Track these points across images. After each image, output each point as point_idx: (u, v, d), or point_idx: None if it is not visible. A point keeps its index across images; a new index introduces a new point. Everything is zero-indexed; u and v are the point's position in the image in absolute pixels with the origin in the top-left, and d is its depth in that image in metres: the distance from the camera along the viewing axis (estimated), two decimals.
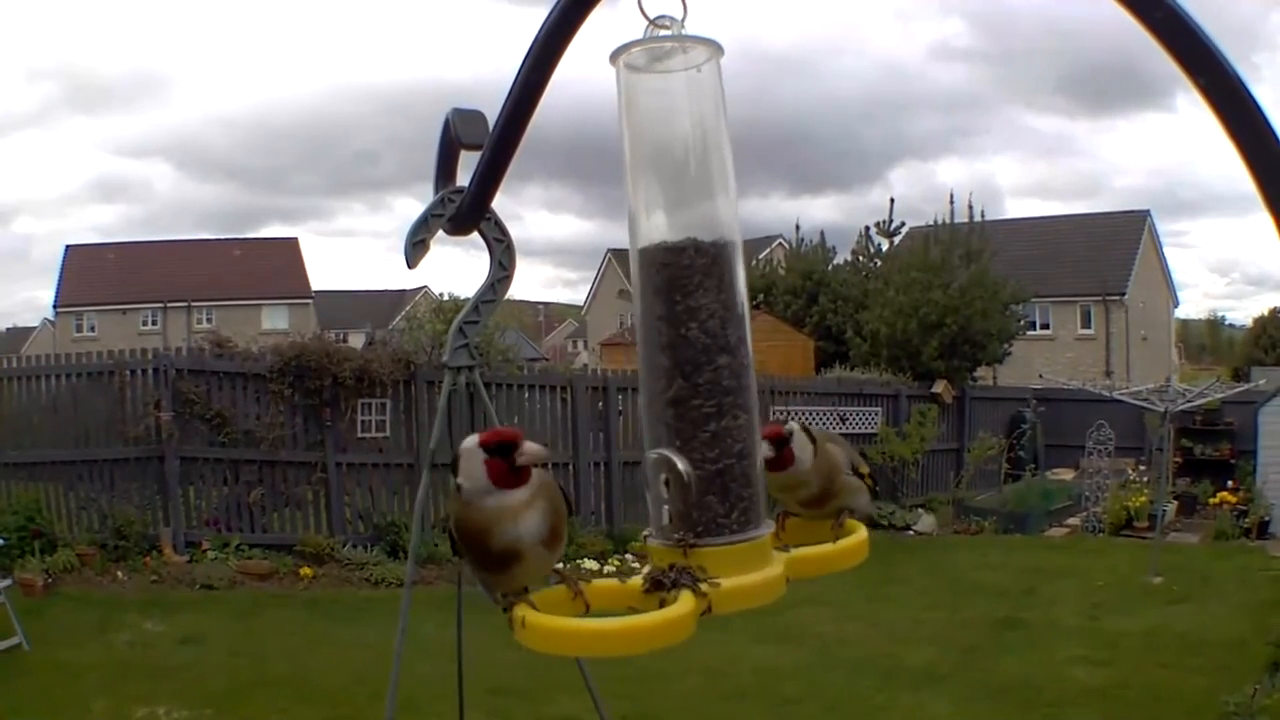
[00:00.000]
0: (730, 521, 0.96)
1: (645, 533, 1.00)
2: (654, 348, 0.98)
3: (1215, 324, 66.41)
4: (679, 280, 0.96)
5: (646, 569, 0.97)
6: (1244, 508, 11.11)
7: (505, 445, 0.95)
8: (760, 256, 26.88)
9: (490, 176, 1.12)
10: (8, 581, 6.69)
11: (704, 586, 0.92)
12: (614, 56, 0.95)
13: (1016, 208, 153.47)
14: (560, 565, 1.06)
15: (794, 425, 1.22)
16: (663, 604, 0.92)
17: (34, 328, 50.01)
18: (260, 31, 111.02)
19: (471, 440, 0.98)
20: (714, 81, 0.97)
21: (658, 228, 0.98)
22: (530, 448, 0.96)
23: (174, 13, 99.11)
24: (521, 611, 0.95)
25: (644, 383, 0.99)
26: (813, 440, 1.22)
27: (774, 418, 11.30)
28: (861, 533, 1.17)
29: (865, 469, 1.32)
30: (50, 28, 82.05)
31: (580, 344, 49.48)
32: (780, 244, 28.78)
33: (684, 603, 0.91)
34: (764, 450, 1.13)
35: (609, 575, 1.04)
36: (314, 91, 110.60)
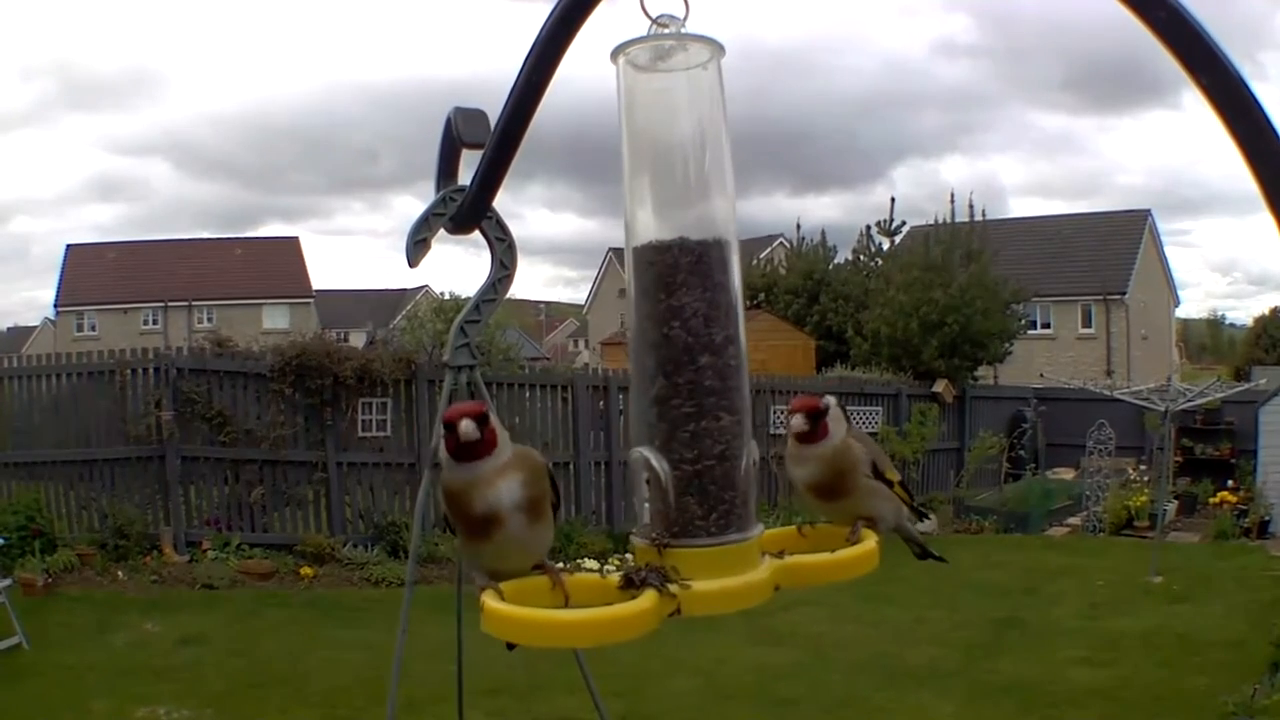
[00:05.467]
0: (708, 524, 0.95)
1: (631, 530, 1.00)
2: (642, 346, 0.98)
3: (1216, 323, 66.38)
4: (664, 278, 0.96)
5: (626, 565, 0.98)
6: (1244, 507, 11.09)
7: (449, 424, 1.02)
8: (761, 256, 26.88)
9: (492, 176, 1.12)
10: (8, 581, 6.69)
11: (673, 587, 0.91)
12: (615, 54, 0.94)
13: (1019, 206, 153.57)
14: (553, 561, 1.08)
15: (830, 400, 1.22)
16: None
17: (34, 327, 49.96)
18: (258, 28, 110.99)
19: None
20: (715, 81, 0.96)
21: (651, 226, 0.97)
22: (463, 427, 1.01)
23: (171, 10, 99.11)
24: (485, 598, 0.96)
25: (632, 381, 1.00)
26: (847, 421, 1.22)
27: (774, 418, 11.17)
28: (870, 543, 1.12)
29: (894, 475, 1.28)
30: (45, 26, 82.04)
31: (581, 343, 49.49)
32: (781, 243, 28.77)
33: (642, 601, 0.90)
34: (797, 423, 1.17)
35: (607, 574, 1.03)
36: (313, 89, 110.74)
